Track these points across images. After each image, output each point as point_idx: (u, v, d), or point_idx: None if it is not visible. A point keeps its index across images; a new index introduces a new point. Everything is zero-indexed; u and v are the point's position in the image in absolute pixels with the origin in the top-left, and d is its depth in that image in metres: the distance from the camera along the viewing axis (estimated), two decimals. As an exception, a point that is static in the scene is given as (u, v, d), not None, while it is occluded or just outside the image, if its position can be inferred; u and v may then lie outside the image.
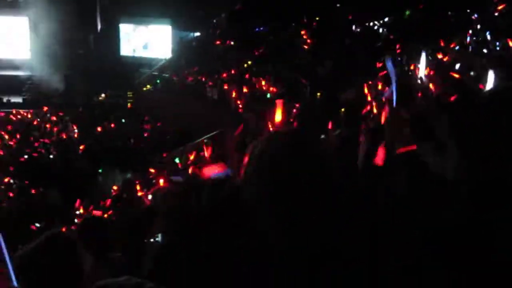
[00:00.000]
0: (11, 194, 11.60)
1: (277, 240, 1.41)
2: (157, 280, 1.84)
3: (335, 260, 1.40)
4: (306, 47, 16.74)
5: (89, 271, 2.69)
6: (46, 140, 17.16)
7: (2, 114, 21.73)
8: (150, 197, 6.55)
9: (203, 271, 1.99)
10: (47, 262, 1.90)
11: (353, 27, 17.13)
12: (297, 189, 1.36)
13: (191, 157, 10.25)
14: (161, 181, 7.47)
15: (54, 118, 20.83)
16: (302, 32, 17.93)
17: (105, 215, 7.76)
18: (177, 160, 10.89)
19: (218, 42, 21.60)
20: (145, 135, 18.00)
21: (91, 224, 3.46)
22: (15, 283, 1.78)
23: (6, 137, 17.40)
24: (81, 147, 16.37)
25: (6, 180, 12.85)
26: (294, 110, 9.93)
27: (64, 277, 1.93)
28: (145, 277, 2.13)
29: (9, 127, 19.15)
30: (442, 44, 10.12)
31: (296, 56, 16.53)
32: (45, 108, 22.50)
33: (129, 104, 23.29)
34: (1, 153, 15.35)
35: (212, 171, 3.84)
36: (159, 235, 3.01)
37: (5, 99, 24.17)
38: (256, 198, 1.43)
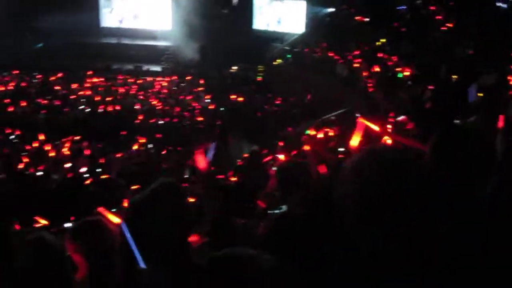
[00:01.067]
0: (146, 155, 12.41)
1: (360, 238, 1.45)
2: (272, 251, 1.89)
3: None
4: (444, 28, 15.86)
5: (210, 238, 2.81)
6: (178, 108, 18.11)
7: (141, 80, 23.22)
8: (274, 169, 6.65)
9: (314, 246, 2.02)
10: (158, 205, 1.99)
11: (498, 6, 15.96)
12: (384, 204, 1.40)
13: (316, 134, 10.26)
14: (282, 156, 7.57)
15: (189, 88, 21.87)
16: (441, 11, 17.04)
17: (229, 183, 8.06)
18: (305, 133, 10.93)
19: (352, 18, 21.17)
20: (273, 108, 18.28)
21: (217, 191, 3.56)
22: (142, 265, 1.89)
23: (152, 101, 18.60)
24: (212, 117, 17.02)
25: (142, 142, 13.77)
26: (427, 93, 9.55)
27: (172, 219, 2.00)
28: (260, 246, 2.20)
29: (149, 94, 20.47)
30: None
31: (433, 36, 15.77)
32: (180, 78, 23.71)
33: (259, 77, 23.72)
34: (142, 117, 16.45)
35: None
36: (283, 206, 3.06)
37: (145, 68, 25.76)
38: (344, 200, 1.49)
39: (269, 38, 26.09)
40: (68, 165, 10.28)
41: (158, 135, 14.75)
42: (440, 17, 16.65)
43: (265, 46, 25.12)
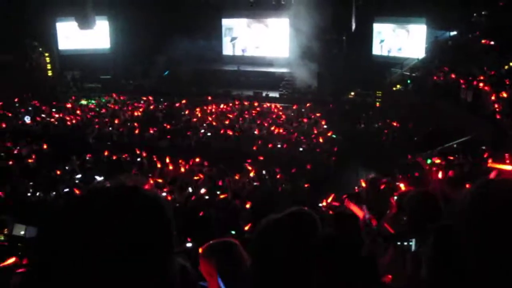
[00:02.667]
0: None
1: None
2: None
3: None
4: None
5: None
6: (295, 134, 18.20)
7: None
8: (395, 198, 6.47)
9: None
10: (290, 235, 1.95)
11: None
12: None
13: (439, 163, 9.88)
14: (402, 186, 7.33)
15: (306, 114, 21.99)
16: None
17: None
18: (428, 162, 10.56)
19: (477, 42, 20.26)
20: (391, 135, 17.86)
21: (344, 219, 3.51)
22: None
23: (270, 126, 18.92)
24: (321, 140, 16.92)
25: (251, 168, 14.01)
26: None
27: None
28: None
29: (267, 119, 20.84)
30: None
31: None
32: (297, 103, 23.95)
33: (377, 103, 23.35)
34: (259, 142, 16.77)
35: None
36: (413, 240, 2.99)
37: (264, 93, 26.36)
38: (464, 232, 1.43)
39: (389, 64, 25.58)
40: (190, 186, 10.74)
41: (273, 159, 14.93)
42: None
43: (384, 71, 24.68)
